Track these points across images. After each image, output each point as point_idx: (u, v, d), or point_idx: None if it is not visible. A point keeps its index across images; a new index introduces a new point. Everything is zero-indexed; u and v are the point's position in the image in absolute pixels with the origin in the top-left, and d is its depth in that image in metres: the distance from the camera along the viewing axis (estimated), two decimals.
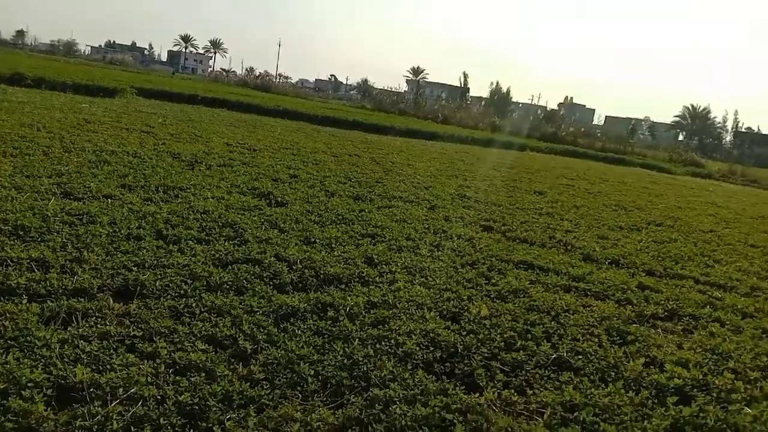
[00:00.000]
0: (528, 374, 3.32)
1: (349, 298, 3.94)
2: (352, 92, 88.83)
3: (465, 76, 77.05)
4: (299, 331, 3.43)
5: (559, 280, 5.24)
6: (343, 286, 4.28)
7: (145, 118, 13.55)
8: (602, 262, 6.31)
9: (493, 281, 4.89)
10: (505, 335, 3.72)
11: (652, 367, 3.65)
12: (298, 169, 9.46)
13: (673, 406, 3.12)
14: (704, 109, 69.03)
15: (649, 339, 4.09)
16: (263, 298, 3.82)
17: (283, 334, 3.37)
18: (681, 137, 64.81)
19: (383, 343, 3.40)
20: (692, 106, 69.92)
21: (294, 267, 4.49)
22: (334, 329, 3.52)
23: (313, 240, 5.32)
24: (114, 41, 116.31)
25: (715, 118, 69.46)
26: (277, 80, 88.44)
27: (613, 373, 3.47)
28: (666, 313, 4.82)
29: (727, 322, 4.76)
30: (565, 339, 3.85)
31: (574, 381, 3.31)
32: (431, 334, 3.57)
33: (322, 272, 4.45)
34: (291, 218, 6.03)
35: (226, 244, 4.83)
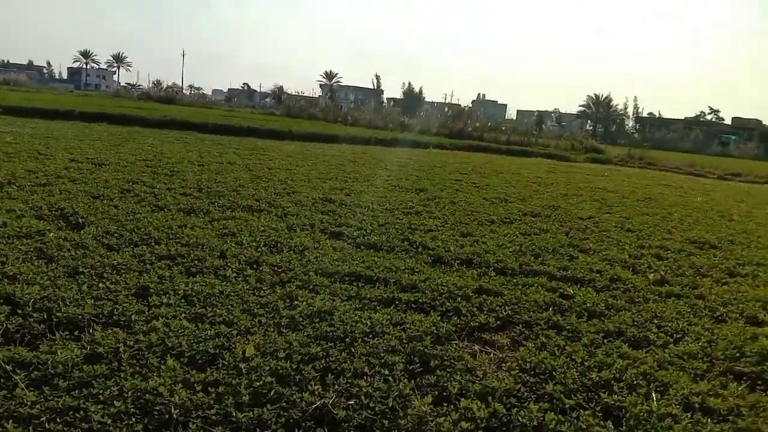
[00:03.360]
0: None
1: (60, 353, 2.96)
2: (266, 100, 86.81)
3: (377, 77, 76.62)
4: None
5: (383, 292, 4.45)
6: (71, 334, 3.29)
7: None
8: (452, 263, 5.61)
9: (296, 303, 4.03)
10: (258, 383, 2.86)
11: (445, 405, 2.89)
12: (137, 183, 8.35)
13: None
14: (606, 97, 71.32)
15: (458, 363, 3.34)
16: None
17: None
18: (589, 126, 66.74)
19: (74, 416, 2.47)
20: (595, 95, 72.20)
21: (22, 310, 3.48)
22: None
23: (81, 271, 4.30)
24: (7, 60, 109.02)
25: (617, 105, 72.11)
26: (189, 92, 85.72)
27: (386, 422, 2.67)
28: (498, 323, 4.12)
29: (567, 327, 4.10)
30: (345, 376, 3.03)
31: None
32: (146, 396, 2.66)
33: (56, 315, 3.46)
34: (74, 244, 4.98)
35: None
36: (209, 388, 2.77)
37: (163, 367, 2.92)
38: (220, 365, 3.02)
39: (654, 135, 53.57)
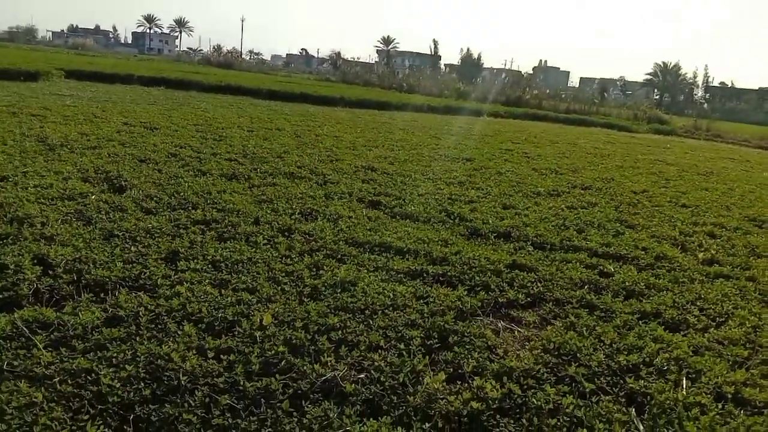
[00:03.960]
0: (275, 407, 2.47)
1: (81, 315, 3.03)
2: (323, 65, 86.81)
3: (435, 43, 75.32)
4: None
5: (412, 264, 4.37)
6: (96, 296, 3.36)
7: (49, 101, 12.52)
8: (488, 236, 5.46)
9: (321, 272, 4.01)
10: (270, 352, 2.85)
11: (458, 383, 2.81)
12: (184, 147, 8.48)
13: None
14: (675, 65, 67.72)
15: (478, 340, 3.24)
16: None
17: None
18: (656, 95, 63.80)
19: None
20: (663, 63, 68.59)
21: (53, 271, 3.58)
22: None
23: (116, 234, 4.39)
24: (77, 26, 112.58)
25: (686, 73, 68.46)
26: (249, 57, 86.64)
27: (395, 398, 2.62)
28: (528, 300, 3.98)
29: (600, 307, 3.93)
30: (359, 349, 2.99)
31: (334, 412, 2.46)
32: (158, 361, 2.68)
33: (85, 277, 3.54)
34: (114, 207, 5.10)
35: None
36: (221, 356, 2.78)
37: (179, 332, 2.95)
38: (236, 333, 3.03)
39: (724, 105, 50.82)
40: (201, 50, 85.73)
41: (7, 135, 7.90)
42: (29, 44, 60.54)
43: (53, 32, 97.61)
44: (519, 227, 5.80)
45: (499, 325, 3.56)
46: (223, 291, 3.52)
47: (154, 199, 5.52)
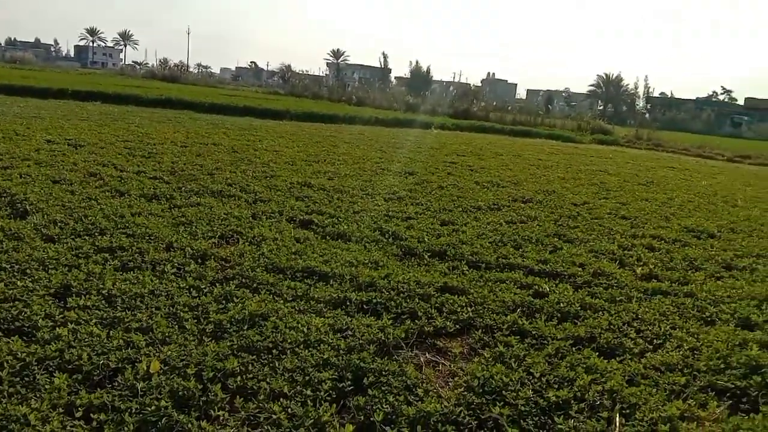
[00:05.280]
0: None
1: None
2: (273, 78, 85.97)
3: (384, 56, 75.75)
4: None
5: (335, 291, 4.04)
6: None
7: None
8: (422, 255, 5.20)
9: (230, 306, 3.63)
10: (151, 407, 2.47)
11: None
12: (107, 166, 7.96)
13: None
14: (617, 76, 69.88)
15: (397, 379, 2.93)
16: None
17: None
18: (599, 106, 65.52)
19: None
20: (605, 74, 70.76)
21: None
22: None
23: (2, 267, 3.92)
24: (15, 39, 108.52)
25: (627, 84, 70.71)
26: (197, 71, 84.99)
27: None
28: (457, 327, 3.71)
29: (532, 333, 3.68)
30: (256, 399, 2.63)
31: None
32: (11, 426, 2.28)
33: None
34: (10, 235, 4.60)
35: None
36: (92, 415, 2.40)
37: (47, 386, 2.54)
38: (116, 384, 2.64)
39: (665, 115, 52.46)
40: (147, 64, 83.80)
41: None
42: None
43: None
44: (455, 245, 5.55)
45: (423, 358, 3.27)
46: (111, 332, 3.12)
47: (59, 224, 5.04)
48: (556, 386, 3.00)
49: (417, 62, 68.98)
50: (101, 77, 40.22)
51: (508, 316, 3.87)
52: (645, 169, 14.72)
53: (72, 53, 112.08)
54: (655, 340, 3.78)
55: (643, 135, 26.14)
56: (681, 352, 3.59)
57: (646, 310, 4.29)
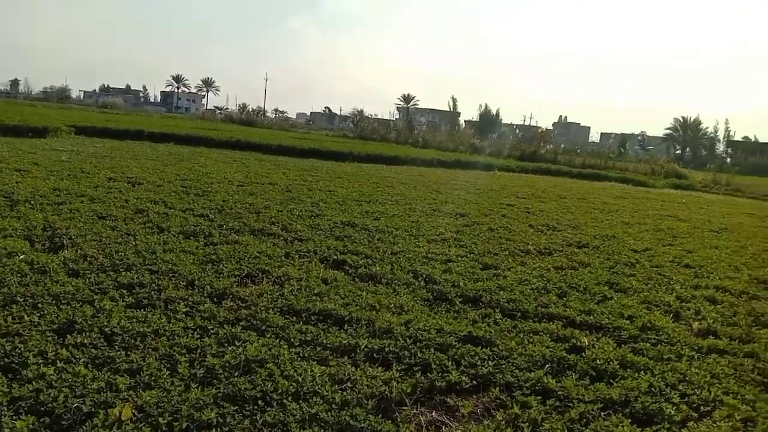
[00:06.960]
0: None
1: None
2: (344, 123, 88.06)
3: (454, 100, 75.87)
4: None
5: (347, 337, 3.79)
6: None
7: (43, 156, 12.38)
8: (453, 301, 4.88)
9: (229, 348, 3.45)
10: None
11: None
12: (157, 203, 8.11)
13: None
14: (695, 120, 67.09)
15: None
16: None
17: None
18: (677, 150, 62.96)
19: None
20: (683, 117, 67.96)
21: None
22: None
23: (17, 300, 3.91)
24: (108, 85, 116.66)
25: (706, 128, 67.70)
26: (274, 115, 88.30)
27: None
28: (473, 383, 3.37)
29: (558, 393, 3.29)
30: None
31: None
32: None
33: None
34: (36, 269, 4.65)
35: None
36: None
37: (7, 430, 2.41)
38: (83, 430, 2.48)
39: (747, 160, 49.65)
40: (227, 108, 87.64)
41: None
42: (61, 103, 62.39)
43: (85, 92, 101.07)
44: (492, 290, 5.20)
45: (426, 417, 2.95)
46: (98, 373, 2.99)
47: (88, 259, 5.07)
48: None
49: (486, 105, 68.87)
50: (180, 121, 42.26)
51: (533, 373, 3.49)
52: (719, 215, 13.76)
53: (159, 99, 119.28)
54: (702, 407, 3.30)
55: (721, 180, 24.72)
56: (731, 423, 3.10)
57: (697, 371, 3.79)
